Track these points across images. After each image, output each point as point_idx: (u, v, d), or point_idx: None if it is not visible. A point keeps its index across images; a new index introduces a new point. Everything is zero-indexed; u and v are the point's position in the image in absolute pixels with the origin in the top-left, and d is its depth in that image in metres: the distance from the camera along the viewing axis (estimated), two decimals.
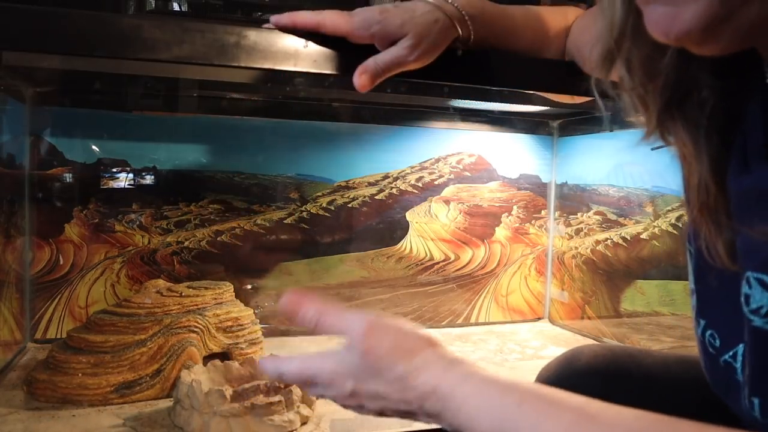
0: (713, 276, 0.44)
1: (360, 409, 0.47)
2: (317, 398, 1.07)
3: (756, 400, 0.38)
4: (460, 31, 0.62)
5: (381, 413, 0.46)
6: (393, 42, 0.59)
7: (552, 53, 0.73)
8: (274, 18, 0.60)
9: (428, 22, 0.60)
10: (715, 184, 0.41)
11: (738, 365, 0.42)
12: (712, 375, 0.46)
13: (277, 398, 0.96)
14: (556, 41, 0.73)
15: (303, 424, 1.01)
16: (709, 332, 0.45)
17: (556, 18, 0.73)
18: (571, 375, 0.61)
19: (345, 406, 0.49)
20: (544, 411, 0.37)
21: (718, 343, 0.44)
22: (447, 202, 1.71)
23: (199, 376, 1.02)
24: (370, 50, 0.62)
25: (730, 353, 0.42)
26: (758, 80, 0.40)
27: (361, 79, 0.59)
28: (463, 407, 0.41)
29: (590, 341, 1.63)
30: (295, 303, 0.50)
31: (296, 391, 0.99)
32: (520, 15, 0.70)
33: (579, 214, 1.71)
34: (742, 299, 0.38)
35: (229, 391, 0.94)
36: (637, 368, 0.59)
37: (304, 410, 1.02)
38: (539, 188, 1.81)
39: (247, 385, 0.96)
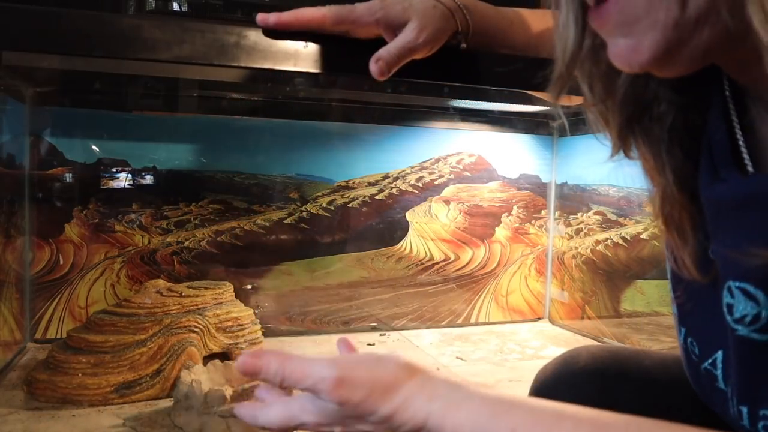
0: (690, 284, 0.44)
1: None
2: None
3: (744, 409, 0.38)
4: (458, 22, 0.63)
5: None
6: (397, 28, 0.60)
7: (545, 54, 0.73)
8: (261, 17, 0.59)
9: (427, 8, 0.61)
10: (680, 195, 0.42)
11: (718, 372, 0.41)
12: (695, 382, 0.46)
13: None
14: (543, 42, 0.74)
15: None
16: (689, 339, 0.45)
17: (541, 20, 0.74)
18: (569, 377, 0.60)
19: None
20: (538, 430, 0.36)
21: (697, 350, 0.44)
22: (447, 202, 1.71)
23: (199, 376, 1.02)
24: (372, 48, 0.62)
25: (710, 361, 0.42)
26: (718, 91, 0.41)
27: (378, 65, 0.59)
28: None
29: (590, 341, 1.63)
30: (252, 362, 0.47)
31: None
32: (512, 14, 0.72)
33: (579, 214, 1.71)
34: (725, 309, 0.38)
35: (229, 391, 0.94)
36: (635, 369, 0.59)
37: None
38: (539, 188, 1.81)
39: (246, 385, 0.96)
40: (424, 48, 0.61)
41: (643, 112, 0.44)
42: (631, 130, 0.45)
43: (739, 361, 0.38)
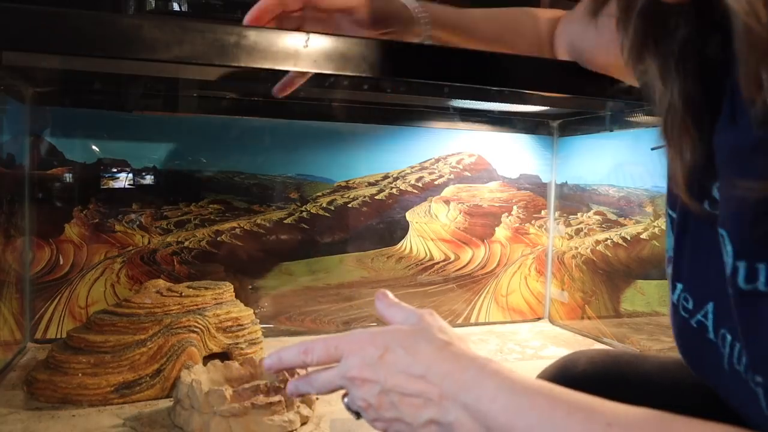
0: (691, 238, 0.44)
1: (369, 405, 0.47)
2: (317, 398, 1.07)
3: (744, 359, 0.38)
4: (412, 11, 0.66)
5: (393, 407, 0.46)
6: None
7: (523, 46, 0.75)
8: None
9: None
10: (683, 112, 0.41)
11: (709, 323, 0.42)
12: (683, 341, 0.46)
13: (277, 398, 0.96)
14: (526, 40, 0.75)
15: (303, 424, 1.01)
16: (683, 296, 0.45)
17: (519, 18, 0.75)
18: (568, 381, 0.60)
19: (353, 398, 0.48)
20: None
21: (690, 304, 0.44)
22: (447, 202, 1.71)
23: (199, 376, 1.02)
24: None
25: (702, 313, 0.43)
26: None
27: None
28: (489, 402, 0.42)
29: (590, 341, 1.63)
30: (278, 359, 0.54)
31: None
32: (478, 12, 0.74)
33: (579, 214, 1.71)
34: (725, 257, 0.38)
35: (229, 391, 0.94)
36: (634, 372, 0.59)
37: (304, 410, 1.02)
38: (539, 188, 1.81)
39: (247, 385, 0.96)
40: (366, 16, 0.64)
41: (660, 28, 0.43)
42: (646, 46, 0.44)
43: (739, 314, 0.38)
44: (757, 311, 0.36)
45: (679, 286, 0.46)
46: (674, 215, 0.46)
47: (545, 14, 0.78)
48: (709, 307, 0.42)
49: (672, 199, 0.46)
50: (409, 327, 0.49)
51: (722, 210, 0.39)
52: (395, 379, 0.46)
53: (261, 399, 0.95)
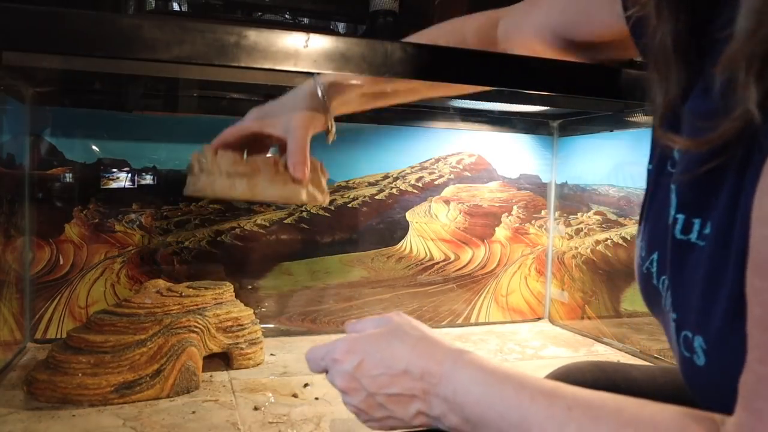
0: (654, 193, 0.47)
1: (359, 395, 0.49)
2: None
3: (669, 302, 0.42)
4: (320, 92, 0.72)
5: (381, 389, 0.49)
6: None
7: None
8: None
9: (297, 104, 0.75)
10: (674, 47, 0.42)
11: (654, 270, 0.46)
12: (640, 284, 0.51)
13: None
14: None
15: (311, 207, 0.95)
16: (641, 245, 0.50)
17: (448, 38, 0.74)
18: None
19: (343, 389, 0.51)
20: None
21: (644, 252, 0.49)
22: (447, 202, 1.71)
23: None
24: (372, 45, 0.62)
25: (649, 261, 0.47)
26: None
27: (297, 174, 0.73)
28: (464, 393, 0.45)
29: (590, 341, 1.63)
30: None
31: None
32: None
33: (579, 214, 1.71)
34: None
35: (239, 155, 0.90)
36: (624, 381, 0.62)
37: (317, 195, 0.96)
38: (539, 188, 1.81)
39: (259, 156, 0.92)
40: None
41: None
42: None
43: (671, 260, 0.42)
44: (685, 259, 0.40)
45: (639, 235, 0.51)
46: (650, 168, 0.49)
47: (468, 22, 0.76)
48: (655, 256, 0.46)
49: (651, 153, 0.49)
50: (381, 331, 0.52)
51: (677, 166, 0.42)
52: (377, 382, 0.49)
53: (270, 165, 0.89)
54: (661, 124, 0.43)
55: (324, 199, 0.91)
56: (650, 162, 0.50)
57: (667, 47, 0.42)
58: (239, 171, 0.85)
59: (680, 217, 0.40)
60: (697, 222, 0.39)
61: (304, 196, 0.88)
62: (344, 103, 0.74)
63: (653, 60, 0.44)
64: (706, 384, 0.38)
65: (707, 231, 0.38)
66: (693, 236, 0.39)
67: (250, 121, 0.76)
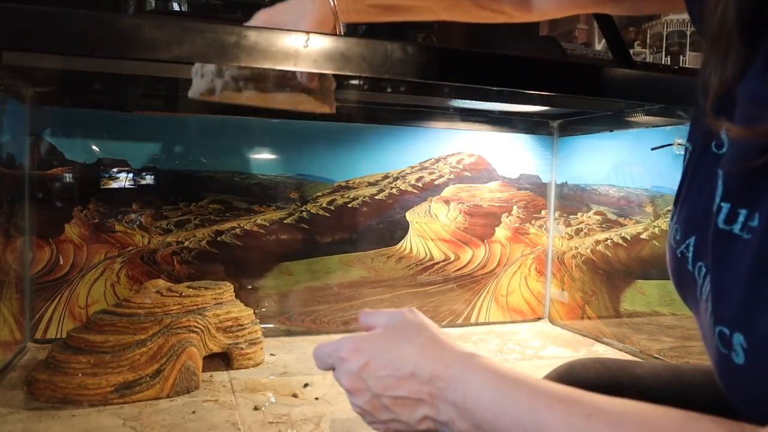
0: (693, 174, 0.46)
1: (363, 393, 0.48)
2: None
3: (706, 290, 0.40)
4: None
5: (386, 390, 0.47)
6: None
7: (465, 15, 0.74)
8: None
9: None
10: (737, 23, 0.40)
11: (690, 255, 0.44)
12: (671, 267, 0.49)
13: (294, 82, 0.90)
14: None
15: (318, 115, 0.94)
16: (675, 227, 0.47)
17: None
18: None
19: (352, 391, 0.50)
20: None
21: (679, 236, 0.47)
22: (447, 202, 1.71)
23: None
24: (372, 45, 0.62)
25: (685, 245, 0.45)
26: None
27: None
28: (475, 397, 0.43)
29: (590, 341, 1.63)
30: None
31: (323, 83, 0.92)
32: None
33: (579, 214, 1.71)
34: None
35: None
36: (628, 378, 0.60)
37: (322, 99, 0.94)
38: (539, 188, 1.81)
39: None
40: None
41: None
42: None
43: (712, 249, 0.40)
44: (726, 251, 0.38)
45: (675, 217, 0.48)
46: (690, 146, 0.48)
47: None
48: (692, 240, 0.44)
49: (692, 131, 0.47)
50: (391, 329, 0.51)
51: (727, 151, 0.40)
52: (383, 383, 0.47)
53: (279, 78, 0.87)
54: (713, 106, 0.41)
55: (331, 107, 0.89)
56: (689, 140, 0.48)
57: (729, 21, 0.40)
58: (246, 74, 0.82)
59: (725, 205, 0.38)
60: (743, 213, 0.37)
61: (311, 104, 0.86)
62: (355, 12, 0.70)
63: (711, 35, 0.42)
64: (744, 384, 0.36)
65: (754, 224, 0.36)
66: (737, 227, 0.37)
67: (259, 24, 0.71)
